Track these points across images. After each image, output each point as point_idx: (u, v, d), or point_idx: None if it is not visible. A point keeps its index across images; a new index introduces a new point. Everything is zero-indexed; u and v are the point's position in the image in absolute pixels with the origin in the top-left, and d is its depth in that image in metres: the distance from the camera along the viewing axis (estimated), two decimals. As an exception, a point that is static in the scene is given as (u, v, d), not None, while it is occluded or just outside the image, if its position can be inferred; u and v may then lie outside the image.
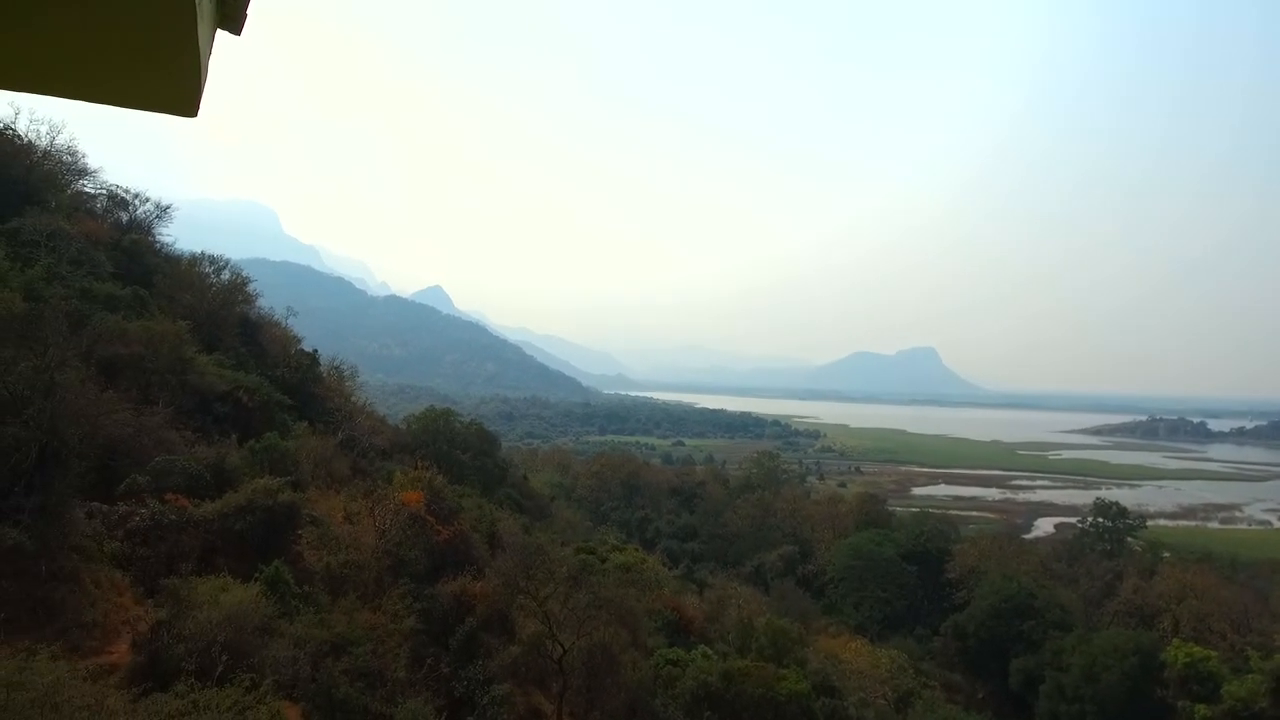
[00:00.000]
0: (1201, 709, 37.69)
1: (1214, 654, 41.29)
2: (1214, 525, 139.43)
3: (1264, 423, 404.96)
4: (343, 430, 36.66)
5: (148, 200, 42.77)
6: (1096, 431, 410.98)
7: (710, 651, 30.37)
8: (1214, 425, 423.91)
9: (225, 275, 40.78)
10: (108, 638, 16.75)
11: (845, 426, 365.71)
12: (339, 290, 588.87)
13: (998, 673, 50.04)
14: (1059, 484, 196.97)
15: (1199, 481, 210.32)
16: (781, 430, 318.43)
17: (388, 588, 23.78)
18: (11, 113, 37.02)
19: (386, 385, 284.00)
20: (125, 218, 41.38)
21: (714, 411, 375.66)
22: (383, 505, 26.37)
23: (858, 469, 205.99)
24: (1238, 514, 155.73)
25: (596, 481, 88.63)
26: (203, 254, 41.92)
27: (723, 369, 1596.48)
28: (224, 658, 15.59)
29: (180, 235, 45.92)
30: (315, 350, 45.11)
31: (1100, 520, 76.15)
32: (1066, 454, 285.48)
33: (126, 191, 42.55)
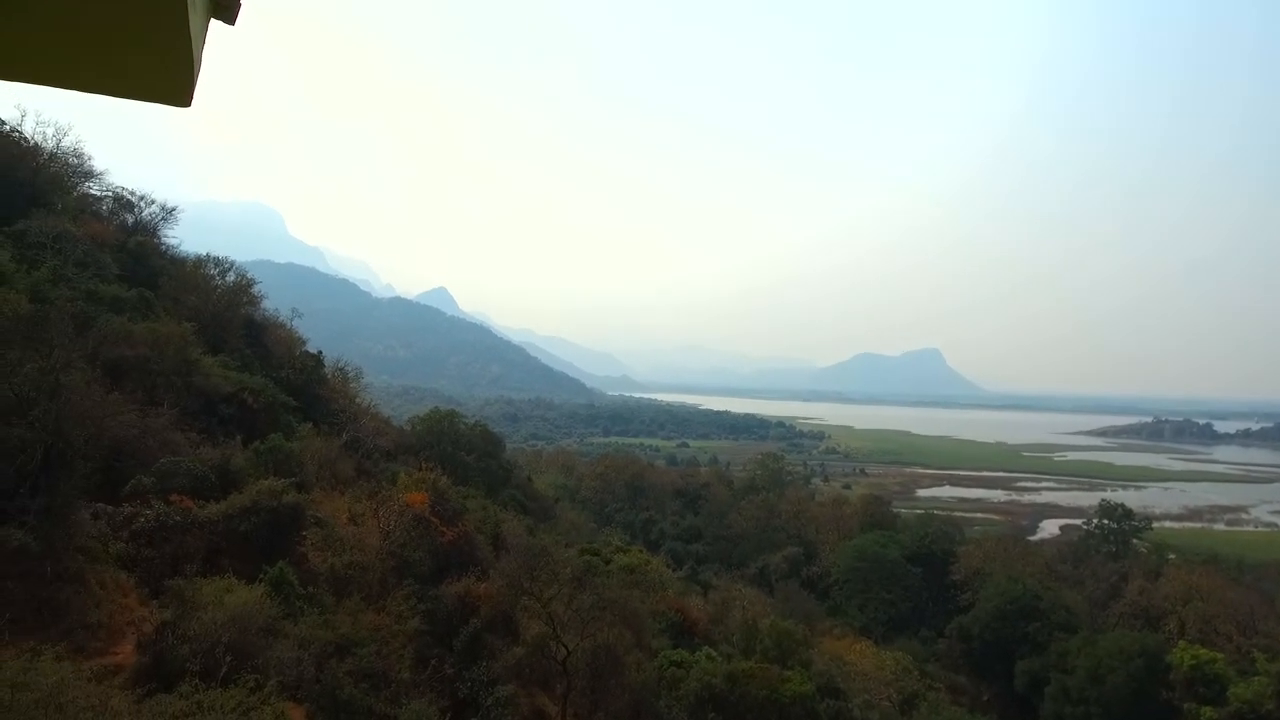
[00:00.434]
0: (1207, 711, 37.51)
1: (1220, 656, 41.11)
2: (1220, 527, 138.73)
3: (1270, 424, 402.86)
4: (347, 432, 36.67)
5: (153, 202, 42.92)
6: (1101, 433, 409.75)
7: (714, 653, 30.33)
8: (1220, 427, 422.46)
9: (230, 277, 40.84)
10: (112, 639, 16.78)
11: (850, 428, 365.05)
12: (344, 292, 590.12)
13: (1003, 674, 49.90)
14: (1064, 485, 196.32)
15: (1204, 483, 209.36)
16: (786, 432, 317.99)
17: (392, 589, 23.80)
18: (18, 115, 37.17)
19: (391, 387, 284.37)
20: (131, 220, 41.51)
21: (718, 413, 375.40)
22: (387, 506, 26.39)
23: (862, 470, 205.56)
24: (1244, 516, 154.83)
25: (601, 483, 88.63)
26: (208, 256, 41.99)
27: (726, 370, 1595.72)
28: (228, 659, 15.59)
29: (185, 237, 46.04)
30: (320, 352, 45.18)
31: (1105, 522, 75.93)
32: (1071, 455, 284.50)
33: (132, 194, 42.68)
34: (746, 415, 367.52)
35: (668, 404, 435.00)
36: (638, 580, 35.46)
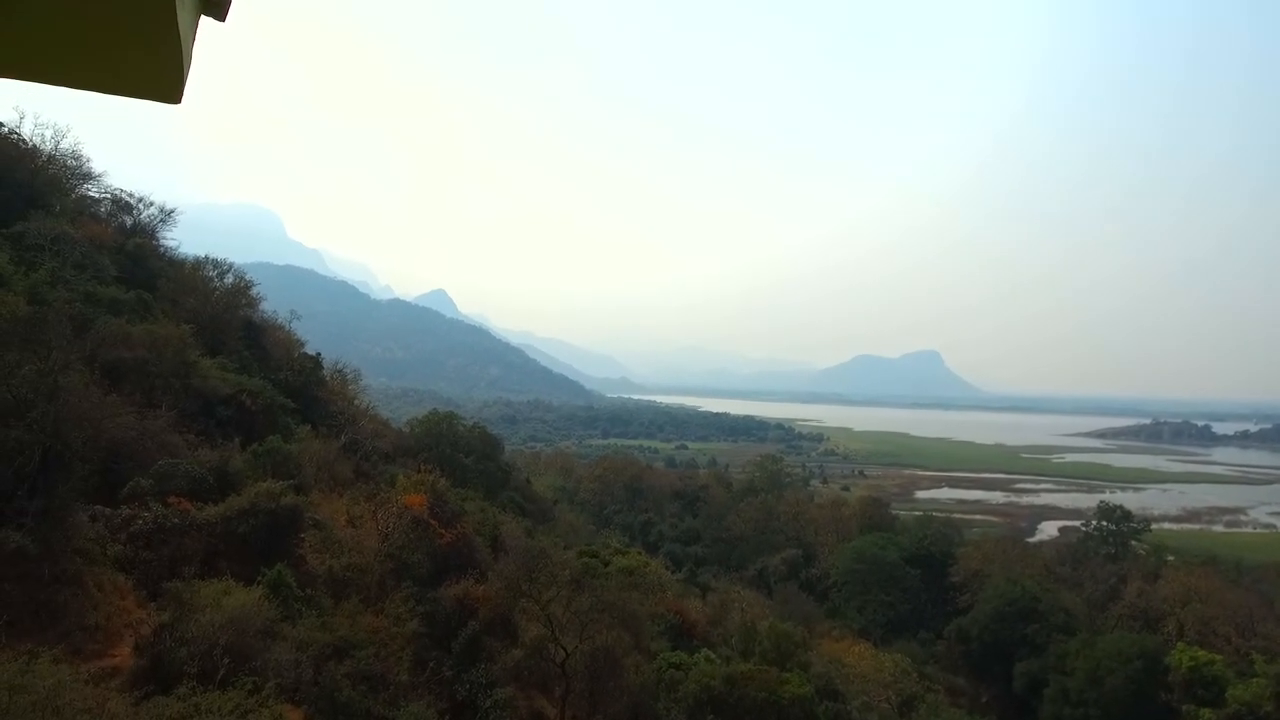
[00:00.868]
0: (1206, 713, 37.50)
1: (1219, 658, 41.11)
2: (1218, 529, 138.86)
3: (1268, 426, 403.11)
4: (346, 434, 36.66)
5: (152, 204, 43.01)
6: (1100, 434, 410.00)
7: (713, 655, 30.31)
8: (1218, 428, 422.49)
9: (229, 279, 40.89)
10: (110, 641, 16.76)
11: (849, 430, 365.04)
12: (342, 294, 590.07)
13: (1002, 676, 49.89)
14: (1063, 487, 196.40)
15: (1203, 485, 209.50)
16: (785, 433, 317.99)
17: (390, 591, 23.78)
18: (16, 117, 37.17)
19: (390, 389, 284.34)
20: (129, 222, 41.53)
21: (717, 415, 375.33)
22: (385, 508, 26.38)
23: (861, 472, 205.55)
24: (1242, 517, 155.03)
25: (599, 485, 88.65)
26: (206, 258, 42.02)
27: (725, 371, 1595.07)
28: (226, 661, 15.58)
29: (184, 239, 46.07)
30: (318, 354, 45.19)
31: (1104, 523, 75.85)
32: (1070, 457, 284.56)
33: (131, 196, 42.74)
34: (745, 417, 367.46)
35: (666, 406, 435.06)
36: (636, 582, 35.40)
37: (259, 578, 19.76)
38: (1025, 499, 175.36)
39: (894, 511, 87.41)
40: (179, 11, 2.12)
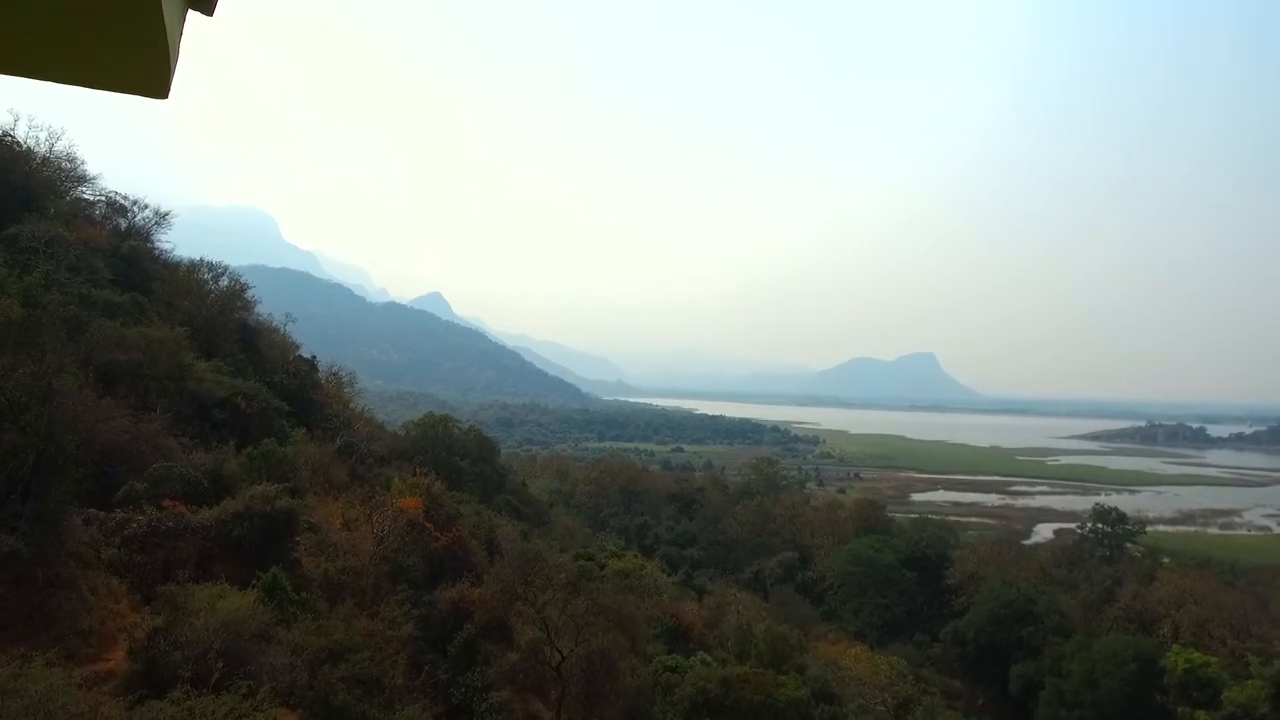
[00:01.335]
0: (1202, 715, 37.61)
1: (1214, 660, 41.25)
2: (1213, 531, 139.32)
3: (1263, 428, 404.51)
4: (341, 436, 36.59)
5: (146, 207, 42.79)
6: (1095, 437, 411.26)
7: (709, 658, 30.31)
8: (1213, 430, 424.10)
9: (224, 282, 40.79)
10: (104, 645, 16.69)
11: (844, 432, 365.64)
12: (338, 297, 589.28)
13: (998, 679, 49.96)
14: (1058, 489, 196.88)
15: (1198, 487, 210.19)
16: (781, 436, 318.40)
17: (386, 594, 23.72)
18: (10, 119, 37.05)
19: (385, 392, 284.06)
20: (124, 224, 41.36)
21: (713, 417, 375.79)
22: (381, 512, 26.33)
23: (857, 475, 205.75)
24: (1237, 519, 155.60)
25: (595, 488, 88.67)
26: (201, 260, 41.91)
27: (721, 374, 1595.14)
28: (221, 665, 15.53)
29: (179, 242, 45.95)
30: (314, 357, 45.09)
31: (1099, 526, 76.15)
32: (1065, 459, 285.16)
33: (125, 198, 42.56)
34: (741, 420, 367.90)
35: (662, 408, 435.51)
36: (632, 585, 35.44)
37: (254, 581, 19.69)
38: (1020, 501, 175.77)
39: (890, 514, 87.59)
40: (165, 5, 2.11)
